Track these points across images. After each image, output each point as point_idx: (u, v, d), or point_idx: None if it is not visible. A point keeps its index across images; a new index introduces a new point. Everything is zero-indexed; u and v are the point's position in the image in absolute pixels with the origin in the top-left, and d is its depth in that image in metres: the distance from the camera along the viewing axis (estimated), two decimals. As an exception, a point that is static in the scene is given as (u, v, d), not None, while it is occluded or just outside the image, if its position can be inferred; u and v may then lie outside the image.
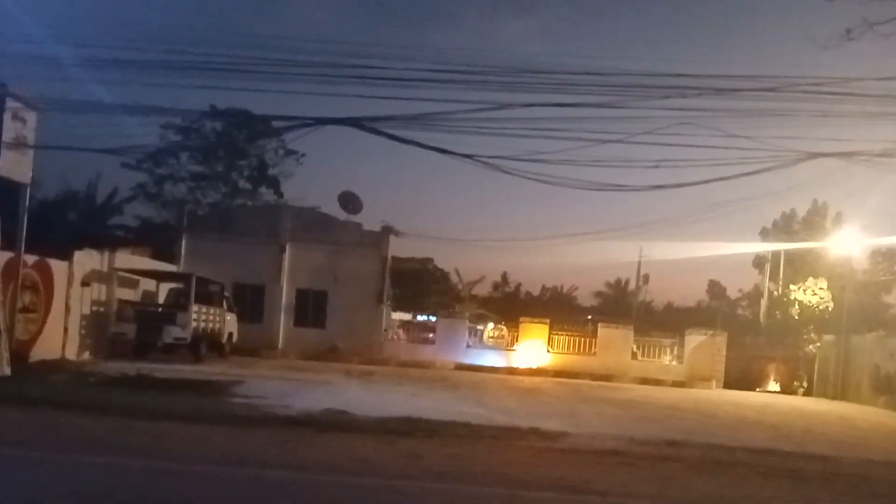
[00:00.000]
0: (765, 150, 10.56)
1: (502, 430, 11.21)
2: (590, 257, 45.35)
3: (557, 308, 45.08)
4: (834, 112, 11.07)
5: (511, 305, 43.53)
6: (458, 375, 22.41)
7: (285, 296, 25.10)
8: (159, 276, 21.59)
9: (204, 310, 19.87)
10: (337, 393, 14.61)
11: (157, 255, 23.20)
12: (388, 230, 25.69)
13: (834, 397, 23.30)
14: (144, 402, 11.11)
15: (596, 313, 44.96)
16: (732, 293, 47.11)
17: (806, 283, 26.03)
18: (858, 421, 17.57)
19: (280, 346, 24.77)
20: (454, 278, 45.01)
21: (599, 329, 26.24)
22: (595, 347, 25.63)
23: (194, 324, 19.02)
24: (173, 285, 21.48)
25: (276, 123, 12.68)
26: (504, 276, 52.74)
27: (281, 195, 32.02)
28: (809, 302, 25.64)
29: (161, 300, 21.36)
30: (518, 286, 53.43)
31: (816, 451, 11.89)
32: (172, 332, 18.55)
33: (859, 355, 23.07)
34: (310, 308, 25.08)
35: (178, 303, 20.04)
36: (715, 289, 48.93)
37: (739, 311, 44.79)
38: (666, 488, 8.33)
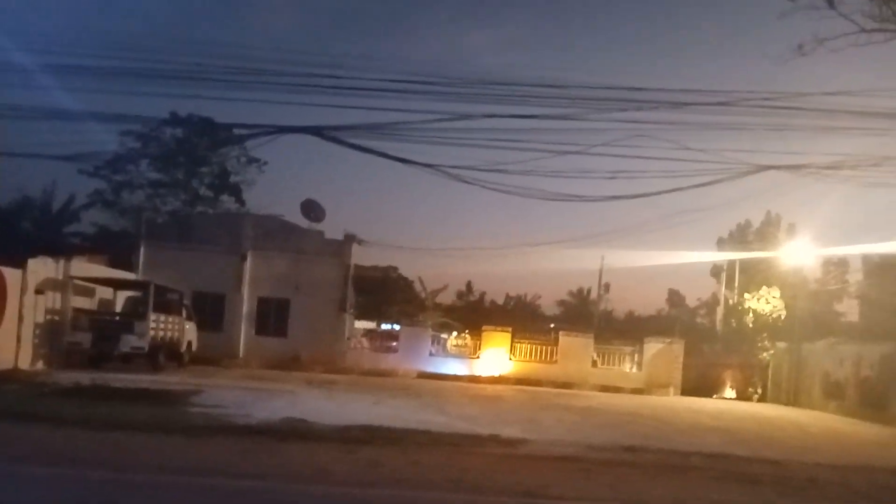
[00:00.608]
0: (717, 162, 10.89)
1: (463, 437, 11.30)
2: (553, 266, 45.93)
3: (521, 316, 45.41)
4: (784, 126, 11.47)
5: (475, 314, 43.72)
6: (421, 384, 22.44)
7: (246, 304, 24.86)
8: (116, 285, 21.21)
9: (162, 318, 19.57)
10: (298, 402, 14.53)
11: (114, 264, 22.80)
12: (350, 238, 25.66)
13: (787, 403, 23.91)
14: (99, 412, 10.91)
15: (559, 322, 45.46)
16: (691, 302, 48.08)
17: (759, 292, 26.73)
18: (809, 426, 18.08)
19: (241, 355, 24.50)
20: (418, 287, 45.06)
21: (560, 337, 26.54)
22: (556, 355, 25.90)
23: (152, 333, 18.72)
24: (131, 294, 21.12)
25: (237, 131, 12.65)
26: (469, 285, 53.03)
27: (242, 203, 31.80)
28: (763, 310, 26.33)
29: (118, 309, 20.99)
30: (482, 295, 53.78)
31: (768, 456, 12.21)
32: (129, 342, 18.23)
33: (811, 362, 23.75)
34: (271, 317, 24.89)
35: (135, 311, 19.71)
36: (674, 297, 49.86)
37: (698, 320, 45.67)
38: (621, 493, 8.51)
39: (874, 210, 34.78)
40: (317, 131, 10.63)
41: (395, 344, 27.35)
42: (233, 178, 31.96)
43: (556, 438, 12.13)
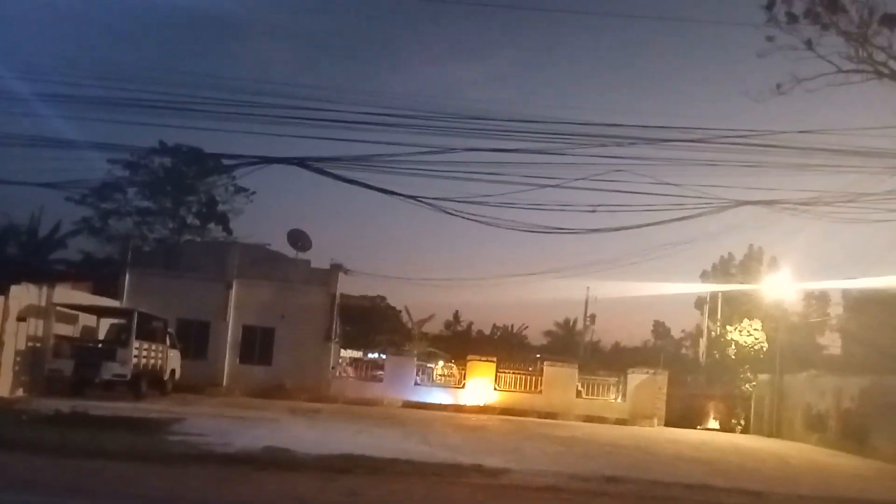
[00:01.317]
0: (695, 197, 11.15)
1: (444, 467, 11.29)
2: (539, 297, 46.04)
3: (508, 347, 45.42)
4: (760, 163, 11.77)
5: (462, 344, 43.68)
6: (406, 413, 22.38)
7: (231, 332, 24.78)
8: (100, 312, 21.12)
9: (145, 346, 19.48)
10: (280, 430, 14.49)
11: (99, 291, 22.73)
12: (336, 268, 25.74)
13: (769, 435, 23.99)
14: (77, 439, 10.85)
15: (545, 352, 45.45)
16: (676, 333, 48.38)
17: (741, 325, 26.97)
18: (790, 458, 18.15)
19: (225, 383, 24.35)
20: (405, 316, 45.04)
21: (545, 368, 26.57)
22: (541, 385, 25.91)
23: (135, 360, 18.62)
24: (114, 321, 21.04)
25: (222, 161, 12.81)
26: (456, 315, 53.09)
27: (230, 232, 31.87)
28: (745, 342, 26.54)
29: (102, 336, 20.87)
30: (470, 325, 53.82)
31: (748, 487, 12.27)
32: (111, 369, 18.12)
33: (793, 394, 23.90)
34: (256, 345, 24.81)
35: (118, 339, 19.61)
36: (660, 329, 50.19)
37: (683, 351, 45.90)
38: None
39: (854, 245, 35.34)
40: (301, 162, 10.81)
41: (380, 373, 27.27)
42: (220, 207, 32.06)
43: (538, 468, 12.14)
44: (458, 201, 11.14)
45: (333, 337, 25.77)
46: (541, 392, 25.77)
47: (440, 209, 11.15)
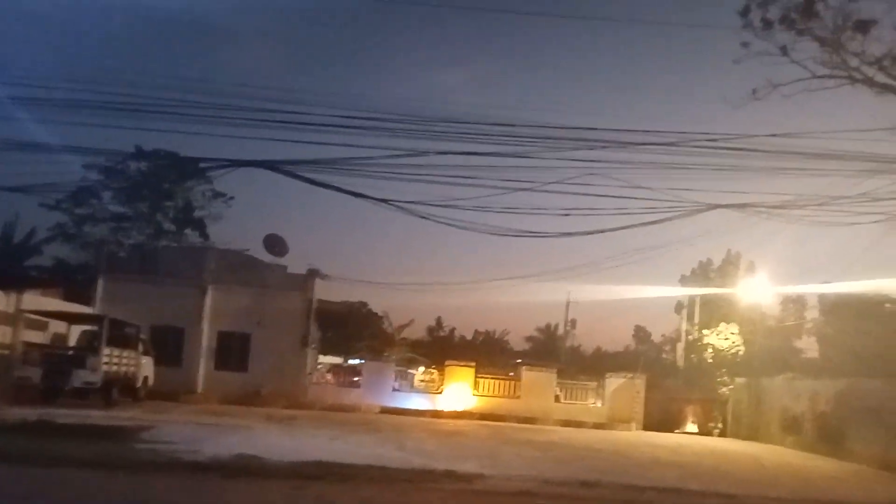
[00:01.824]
0: (668, 201, 11.17)
1: (418, 473, 11.19)
2: (521, 302, 45.93)
3: (489, 352, 45.39)
4: (732, 166, 11.82)
5: (444, 349, 43.58)
6: (383, 419, 22.22)
7: (206, 339, 24.49)
8: (71, 318, 20.77)
9: (117, 353, 19.15)
10: (253, 437, 14.28)
11: (72, 297, 22.36)
12: (313, 273, 25.52)
13: (746, 437, 24.11)
14: (42, 448, 10.59)
15: (527, 357, 45.43)
16: (657, 338, 48.52)
17: (718, 328, 27.13)
18: (766, 460, 18.25)
19: (200, 390, 24.04)
20: (386, 322, 44.88)
21: (523, 372, 26.55)
22: (519, 391, 25.87)
23: (105, 367, 18.29)
24: (86, 328, 20.68)
25: (192, 164, 12.65)
26: (438, 321, 53.05)
27: (206, 237, 31.47)
28: (722, 346, 26.70)
29: (73, 343, 20.52)
30: (452, 330, 53.79)
31: (722, 490, 12.30)
32: (81, 376, 17.78)
33: (769, 397, 24.05)
34: (232, 351, 24.53)
35: (88, 345, 19.26)
36: (640, 333, 50.33)
37: (663, 355, 46.02)
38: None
39: (830, 249, 35.71)
40: (271, 165, 10.69)
41: (357, 379, 27.08)
42: (197, 213, 31.68)
43: (513, 474, 12.06)
44: (431, 205, 11.09)
45: (310, 343, 25.56)
46: (519, 397, 25.73)
47: (411, 212, 11.08)
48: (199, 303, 24.32)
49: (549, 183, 10.95)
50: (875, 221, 12.31)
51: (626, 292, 32.94)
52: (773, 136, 12.05)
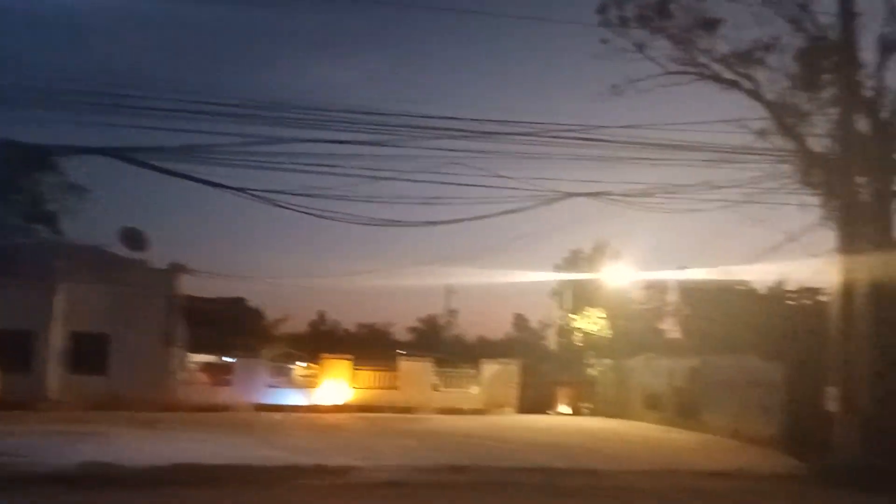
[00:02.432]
0: (528, 189, 11.46)
1: (286, 470, 10.93)
2: (403, 293, 46.18)
3: (373, 345, 45.18)
4: (588, 156, 12.28)
5: (326, 343, 42.92)
6: (257, 417, 21.56)
7: (58, 341, 22.69)
8: None
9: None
10: (108, 444, 13.37)
11: None
12: (177, 268, 24.22)
13: (613, 416, 25.35)
14: None
15: (410, 348, 45.64)
16: (535, 324, 50.10)
17: (587, 313, 28.41)
18: (629, 436, 19.27)
19: (54, 397, 22.25)
20: (265, 317, 43.79)
21: (400, 363, 26.61)
22: (397, 381, 25.90)
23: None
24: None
25: (30, 152, 11.61)
26: (321, 315, 52.35)
27: (59, 232, 29.23)
28: (591, 330, 27.99)
29: None
30: (335, 324, 53.26)
31: (587, 466, 12.89)
32: None
33: (632, 376, 25.45)
34: (89, 353, 22.81)
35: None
36: (519, 321, 51.82)
37: (541, 341, 47.61)
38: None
39: (688, 236, 38.24)
40: (115, 153, 9.94)
41: (230, 377, 26.08)
42: (49, 206, 29.34)
43: (385, 464, 12.03)
44: (292, 193, 10.76)
45: (177, 341, 24.32)
46: (398, 388, 25.75)
47: (269, 201, 10.70)
48: (49, 302, 22.47)
49: (412, 172, 10.95)
50: (716, 209, 13.21)
51: (503, 280, 33.74)
52: (626, 127, 12.63)
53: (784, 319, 19.65)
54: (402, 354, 32.16)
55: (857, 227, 13.31)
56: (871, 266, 13.04)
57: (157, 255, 25.01)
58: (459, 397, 26.24)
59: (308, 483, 10.32)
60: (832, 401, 13.07)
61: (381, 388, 25.79)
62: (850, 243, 13.07)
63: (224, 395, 24.32)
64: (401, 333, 54.64)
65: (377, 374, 26.26)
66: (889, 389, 13.11)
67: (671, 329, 35.18)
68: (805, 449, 14.09)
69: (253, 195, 10.47)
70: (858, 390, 13.00)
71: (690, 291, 29.96)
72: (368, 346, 41.87)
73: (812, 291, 21.76)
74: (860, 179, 13.92)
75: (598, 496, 10.70)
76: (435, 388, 26.32)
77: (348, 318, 55.11)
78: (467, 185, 11.12)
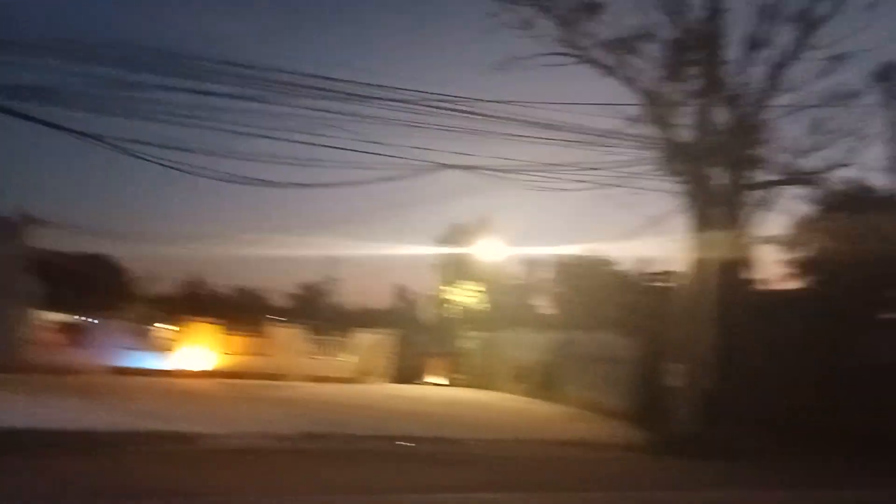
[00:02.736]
0: (402, 158, 11.33)
1: (130, 436, 10.39)
2: (284, 258, 44.74)
3: (249, 309, 43.82)
4: (464, 128, 12.29)
5: (198, 306, 41.24)
6: (114, 381, 20.32)
7: None
8: None
9: None
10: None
11: None
12: (26, 219, 22.21)
13: (483, 387, 25.97)
14: None
15: (288, 315, 44.72)
16: (417, 296, 50.42)
17: (463, 286, 28.89)
18: (493, 406, 19.81)
19: None
20: (129, 277, 41.38)
21: (272, 329, 26.01)
22: (268, 347, 25.31)
23: None
24: None
25: None
26: (195, 277, 50.07)
27: None
28: (466, 303, 28.50)
29: None
30: (208, 287, 51.16)
31: (452, 435, 13.11)
32: None
33: (502, 349, 26.16)
34: (-81, 309, 20.74)
35: None
36: (401, 291, 51.98)
37: (421, 312, 47.98)
38: (283, 482, 8.40)
39: (562, 215, 39.51)
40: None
41: (87, 338, 24.51)
42: None
43: (238, 431, 11.67)
44: (149, 144, 10.03)
45: (25, 298, 22.47)
46: (269, 354, 25.16)
47: (125, 151, 9.93)
48: None
49: (283, 131, 10.50)
50: (582, 189, 13.62)
51: (385, 250, 33.61)
52: (501, 102, 12.69)
53: (642, 299, 20.72)
54: (274, 320, 31.46)
55: (709, 214, 14.17)
56: (718, 251, 13.95)
57: (7, 205, 23.00)
58: (332, 366, 26.01)
59: (153, 450, 9.88)
60: (676, 376, 13.96)
61: (252, 355, 25.12)
62: (700, 230, 13.89)
63: (78, 356, 22.84)
64: (282, 300, 53.41)
65: (248, 339, 25.56)
66: (731, 366, 14.16)
67: (544, 305, 36.44)
68: (652, 421, 15.00)
69: (101, 142, 9.65)
70: (702, 366, 13.96)
71: (563, 269, 31.08)
72: (244, 311, 40.64)
73: (668, 273, 23.10)
74: (716, 170, 14.81)
75: (451, 462, 10.90)
76: (308, 355, 25.94)
77: (226, 282, 52.96)
78: (342, 148, 10.81)
